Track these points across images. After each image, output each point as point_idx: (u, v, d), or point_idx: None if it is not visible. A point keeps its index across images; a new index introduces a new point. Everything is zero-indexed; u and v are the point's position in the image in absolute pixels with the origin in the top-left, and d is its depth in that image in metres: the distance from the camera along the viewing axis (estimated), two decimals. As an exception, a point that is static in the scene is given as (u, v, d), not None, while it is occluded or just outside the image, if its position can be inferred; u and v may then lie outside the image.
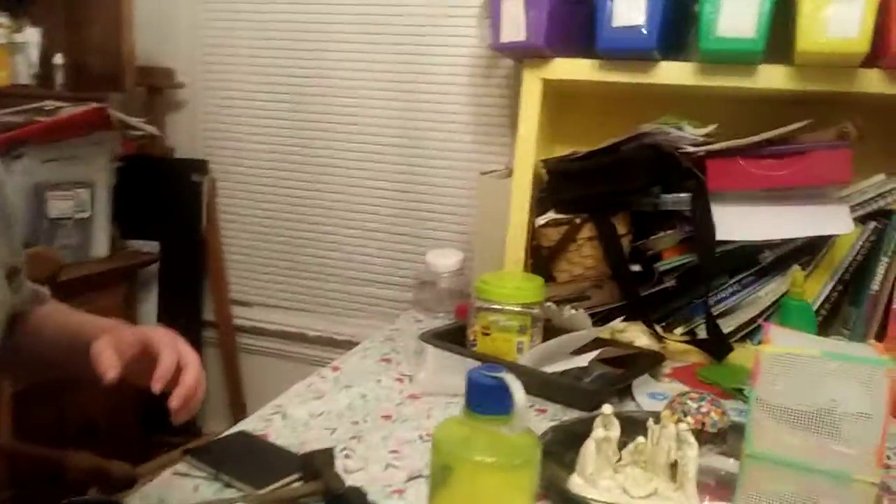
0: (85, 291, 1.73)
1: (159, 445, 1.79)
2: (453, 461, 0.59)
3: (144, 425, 1.96)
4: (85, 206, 1.79)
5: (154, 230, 2.06)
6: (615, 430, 0.79)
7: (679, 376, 1.30)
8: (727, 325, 1.41)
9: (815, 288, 1.39)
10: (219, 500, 0.79)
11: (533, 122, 1.50)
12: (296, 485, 0.83)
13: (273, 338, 2.16)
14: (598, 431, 0.79)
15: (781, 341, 0.90)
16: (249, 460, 0.89)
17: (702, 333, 1.40)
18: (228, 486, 0.84)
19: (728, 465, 0.91)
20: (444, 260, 1.65)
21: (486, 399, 0.59)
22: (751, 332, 1.40)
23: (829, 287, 1.38)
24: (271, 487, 0.81)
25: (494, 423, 0.59)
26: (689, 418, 0.96)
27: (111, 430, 1.83)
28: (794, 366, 0.88)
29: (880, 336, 1.34)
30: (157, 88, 2.11)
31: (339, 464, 0.91)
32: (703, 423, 0.96)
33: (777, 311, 1.37)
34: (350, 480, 0.86)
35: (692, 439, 0.76)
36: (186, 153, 2.15)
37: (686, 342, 1.39)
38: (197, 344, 2.15)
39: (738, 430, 0.96)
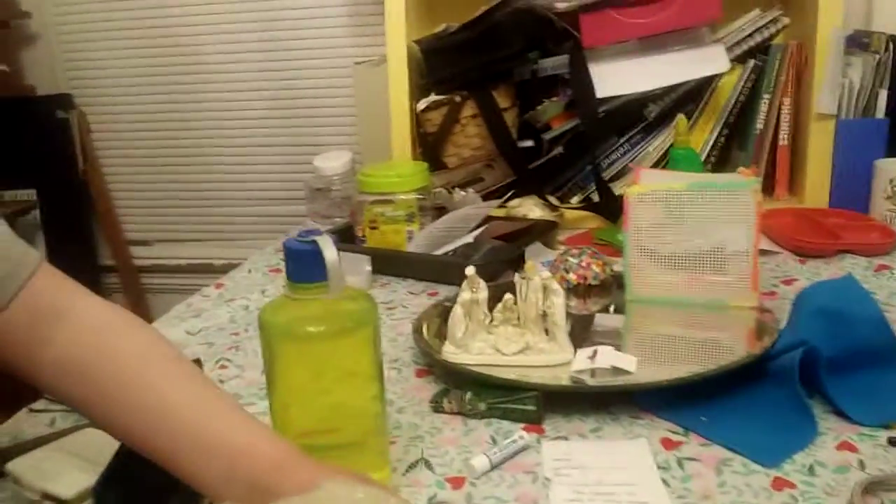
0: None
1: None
2: (276, 338, 0.55)
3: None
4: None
5: (28, 177, 1.92)
6: (482, 292, 0.76)
7: (575, 242, 1.27)
8: (621, 186, 1.39)
9: (702, 136, 1.37)
10: (72, 426, 0.73)
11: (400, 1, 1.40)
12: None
13: (179, 274, 2.07)
14: (463, 295, 0.75)
15: (649, 181, 0.88)
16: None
17: (597, 199, 1.38)
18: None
19: (614, 320, 0.89)
20: (332, 163, 1.57)
21: (301, 265, 0.54)
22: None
23: (716, 132, 1.36)
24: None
25: (316, 290, 0.54)
26: (571, 275, 0.94)
27: (20, 393, 1.73)
28: (660, 202, 0.85)
29: (769, 176, 1.35)
30: (1, 22, 1.92)
31: (214, 374, 0.86)
32: (585, 277, 0.94)
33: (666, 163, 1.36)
34: (225, 388, 0.82)
35: (556, 286, 0.73)
36: (50, 90, 1.98)
37: (580, 208, 1.37)
38: (97, 292, 2.05)
39: (622, 281, 0.94)
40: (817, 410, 0.68)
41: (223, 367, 0.88)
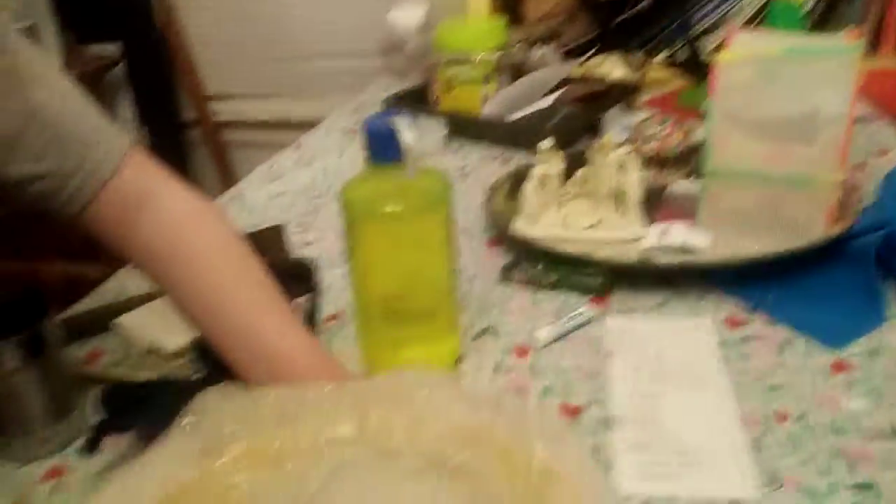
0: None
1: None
2: (358, 215, 0.57)
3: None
4: (24, 15, 1.67)
5: (112, 30, 1.95)
6: (556, 165, 0.75)
7: (657, 105, 1.22)
8: (712, 42, 1.30)
9: (807, -15, 1.25)
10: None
11: None
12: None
13: (258, 129, 2.11)
14: (537, 168, 0.75)
15: (741, 45, 0.82)
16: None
17: (684, 56, 1.30)
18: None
19: (691, 193, 0.88)
20: (406, 16, 1.52)
21: (381, 146, 0.55)
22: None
23: (823, -19, 1.24)
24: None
25: (394, 170, 0.55)
26: (650, 144, 0.91)
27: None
28: (752, 69, 0.80)
29: (876, 31, 1.23)
30: None
31: (296, 238, 0.90)
32: (665, 147, 0.91)
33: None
34: (305, 252, 0.86)
35: (632, 162, 0.71)
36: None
37: (665, 67, 1.30)
38: (181, 146, 2.13)
39: (703, 150, 0.91)
40: (890, 294, 0.67)
41: (304, 230, 0.93)
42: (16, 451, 0.58)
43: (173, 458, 0.36)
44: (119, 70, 1.96)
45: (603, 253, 0.73)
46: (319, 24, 1.91)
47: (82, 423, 0.61)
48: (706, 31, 1.31)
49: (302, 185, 1.06)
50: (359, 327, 0.64)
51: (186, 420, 0.39)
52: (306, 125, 2.01)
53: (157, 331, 0.68)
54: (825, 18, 1.27)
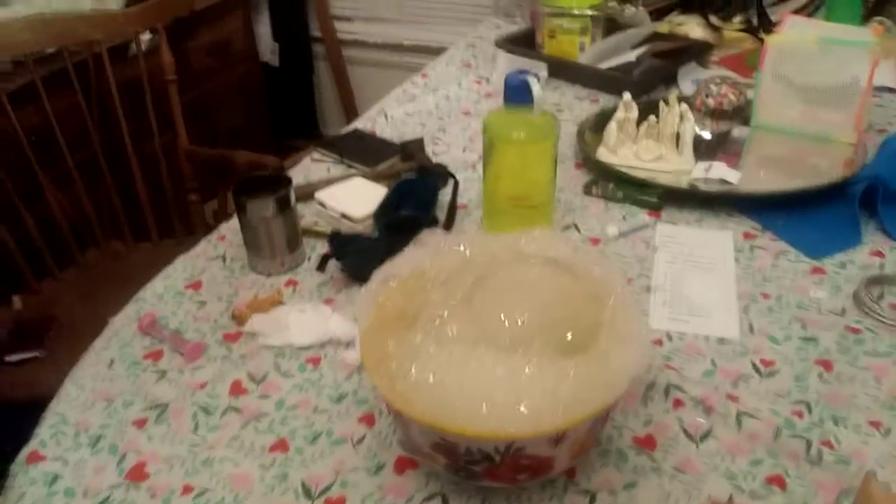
0: (212, 20, 2.00)
1: (288, 148, 2.17)
2: (496, 139, 0.86)
3: (276, 132, 2.33)
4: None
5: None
6: (633, 112, 1.02)
7: (727, 63, 1.45)
8: (779, 12, 1.51)
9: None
10: (345, 174, 1.11)
11: None
12: (396, 164, 1.13)
13: (374, 49, 2.39)
14: (618, 113, 1.02)
15: (790, 29, 1.06)
16: (363, 148, 1.19)
17: (755, 21, 1.51)
18: (350, 167, 1.16)
19: (737, 141, 1.13)
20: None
21: (515, 94, 0.83)
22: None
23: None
24: (380, 166, 1.12)
25: (522, 111, 0.83)
26: (710, 100, 1.16)
27: (252, 137, 2.22)
28: (794, 51, 1.05)
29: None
30: None
31: (429, 148, 1.20)
32: (721, 104, 1.16)
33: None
34: (436, 159, 1.16)
35: (690, 115, 0.97)
36: None
37: (739, 30, 1.52)
38: (309, 59, 2.43)
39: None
40: (869, 228, 0.92)
41: (435, 143, 1.22)
42: (268, 268, 0.91)
43: (410, 260, 0.66)
44: (260, -10, 2.26)
45: (661, 179, 1.00)
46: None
47: (304, 256, 0.93)
48: (778, 1, 1.51)
49: (430, 107, 1.35)
50: (486, 213, 0.94)
51: (413, 246, 0.68)
52: (417, 49, 2.29)
53: (346, 203, 0.99)
54: (877, 9, 1.45)
